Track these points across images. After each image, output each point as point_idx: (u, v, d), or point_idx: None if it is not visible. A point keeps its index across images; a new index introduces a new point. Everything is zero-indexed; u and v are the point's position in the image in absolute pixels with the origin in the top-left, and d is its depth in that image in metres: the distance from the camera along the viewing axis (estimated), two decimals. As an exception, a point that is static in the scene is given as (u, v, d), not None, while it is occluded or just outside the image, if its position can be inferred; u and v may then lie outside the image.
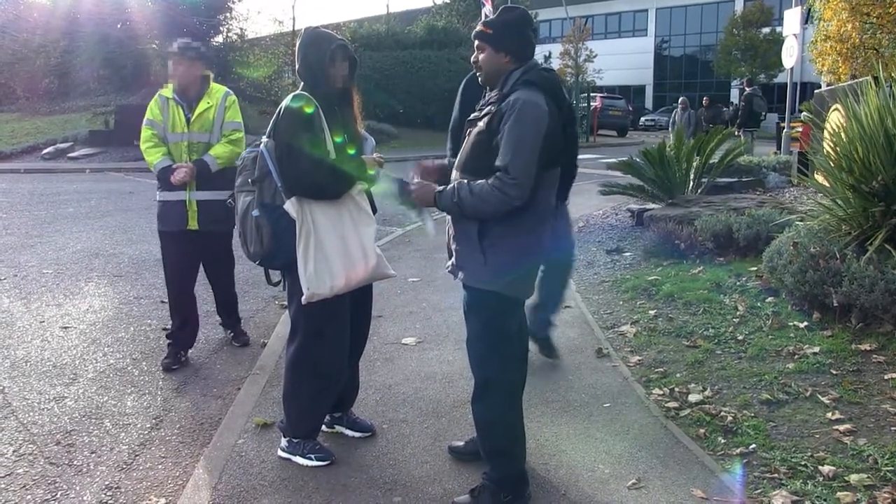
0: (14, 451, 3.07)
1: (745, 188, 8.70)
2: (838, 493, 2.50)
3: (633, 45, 43.58)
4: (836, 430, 2.96)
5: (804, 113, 12.69)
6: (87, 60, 22.66)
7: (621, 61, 40.68)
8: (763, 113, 16.00)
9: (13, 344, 4.43)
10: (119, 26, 21.81)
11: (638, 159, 7.65)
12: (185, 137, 3.92)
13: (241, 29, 24.52)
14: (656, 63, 43.90)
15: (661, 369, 3.76)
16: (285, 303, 3.15)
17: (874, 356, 3.58)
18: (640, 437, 3.04)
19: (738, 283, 4.88)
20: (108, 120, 18.94)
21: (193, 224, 3.93)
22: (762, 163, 10.42)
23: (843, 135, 4.32)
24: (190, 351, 4.21)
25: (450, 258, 2.55)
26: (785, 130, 12.82)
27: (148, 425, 3.36)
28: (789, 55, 12.56)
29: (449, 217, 2.53)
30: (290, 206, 2.68)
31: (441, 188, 2.40)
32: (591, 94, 27.12)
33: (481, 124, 2.38)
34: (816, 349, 3.71)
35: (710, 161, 7.75)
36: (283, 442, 2.93)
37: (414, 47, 24.61)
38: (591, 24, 38.52)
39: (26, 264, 6.52)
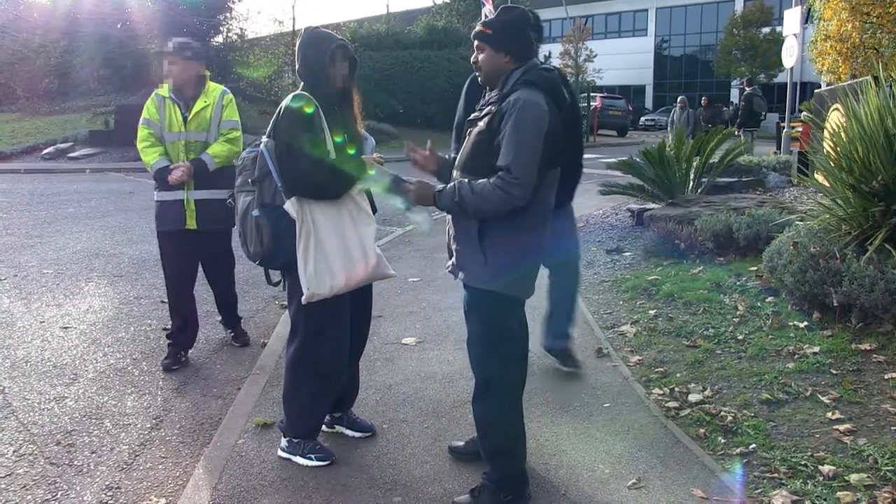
0: (14, 452, 3.07)
1: (745, 188, 8.71)
2: (838, 493, 2.50)
3: (633, 44, 43.58)
4: (837, 429, 2.96)
5: (804, 113, 12.70)
6: (87, 60, 22.68)
7: (621, 61, 40.68)
8: (763, 113, 16.00)
9: (13, 344, 4.43)
10: (119, 26, 21.82)
11: (638, 159, 7.65)
12: (183, 136, 3.90)
13: (241, 29, 24.56)
14: (656, 63, 43.91)
15: (661, 369, 3.76)
16: (285, 303, 3.15)
17: (874, 356, 3.58)
18: (641, 436, 3.04)
19: (738, 283, 4.88)
20: (109, 120, 18.95)
21: (192, 224, 3.93)
22: (762, 162, 10.42)
23: (843, 134, 4.32)
24: (190, 351, 4.21)
25: (450, 258, 2.55)
26: (785, 130, 12.82)
27: (148, 425, 3.36)
28: (789, 55, 12.57)
29: (449, 217, 2.53)
30: (290, 206, 2.69)
31: (441, 187, 2.40)
32: (591, 94, 27.12)
33: (482, 124, 2.38)
34: (816, 349, 3.71)
35: (710, 161, 7.75)
36: (284, 442, 2.93)
37: (414, 47, 24.61)
38: (591, 23, 38.50)
39: (26, 264, 6.52)
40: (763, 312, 4.32)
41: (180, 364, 4.08)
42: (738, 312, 4.38)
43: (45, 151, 17.48)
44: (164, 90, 3.95)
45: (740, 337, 4.04)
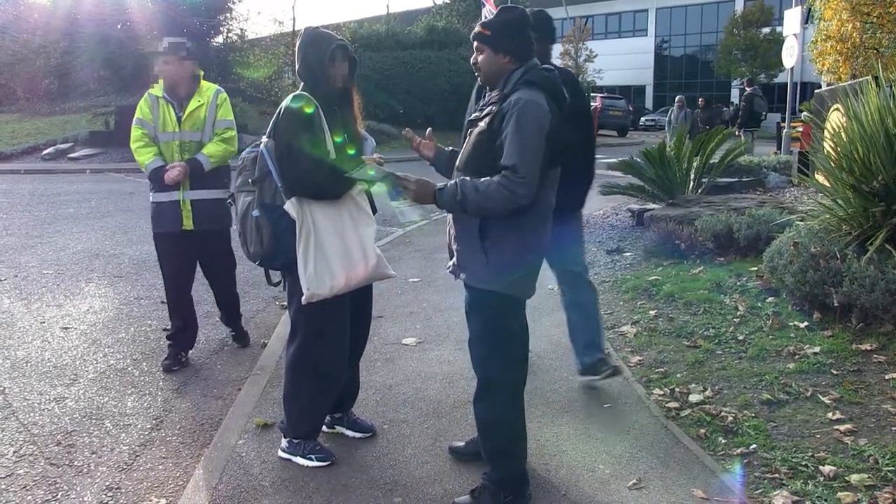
0: (15, 452, 3.07)
1: (745, 188, 8.70)
2: (839, 494, 2.50)
3: (633, 45, 43.57)
4: (837, 430, 2.95)
5: (804, 113, 12.69)
6: (87, 61, 22.68)
7: (621, 61, 40.67)
8: (764, 113, 16.01)
9: (14, 344, 4.43)
10: (119, 27, 21.82)
11: (638, 159, 7.65)
12: (177, 137, 3.89)
13: (242, 29, 24.56)
14: (656, 63, 43.89)
15: (662, 369, 3.76)
16: (285, 303, 3.15)
17: (875, 356, 3.57)
18: (641, 437, 3.04)
19: (738, 283, 4.87)
20: (109, 120, 18.95)
21: (188, 224, 3.91)
22: (762, 163, 10.43)
23: (843, 135, 4.31)
24: (190, 352, 4.20)
25: (451, 258, 2.55)
26: (785, 130, 12.83)
27: (148, 426, 3.36)
28: (789, 55, 12.57)
29: (450, 217, 2.52)
30: (290, 206, 2.68)
31: (441, 185, 2.38)
32: (592, 94, 27.12)
33: (482, 124, 2.38)
34: (817, 349, 3.71)
35: (711, 161, 7.75)
36: (284, 442, 2.92)
37: (414, 48, 24.60)
38: (592, 24, 38.55)
39: (27, 265, 6.52)
40: (763, 313, 4.32)
41: (180, 365, 4.08)
42: (738, 313, 4.38)
43: (45, 152, 17.49)
44: (157, 90, 3.93)
45: (741, 337, 4.03)
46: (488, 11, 11.13)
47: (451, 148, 2.74)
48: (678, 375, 3.66)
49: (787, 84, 13.61)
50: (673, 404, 3.33)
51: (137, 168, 4.04)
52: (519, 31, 2.42)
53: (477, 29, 2.46)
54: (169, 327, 4.17)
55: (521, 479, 2.54)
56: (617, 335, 4.35)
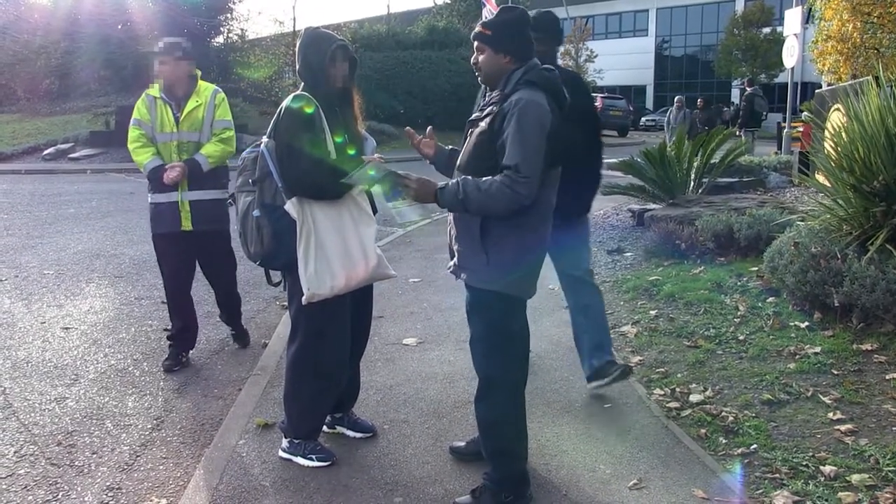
0: (15, 452, 3.08)
1: (745, 188, 8.70)
2: (840, 494, 2.50)
3: (633, 45, 43.56)
4: (838, 430, 2.95)
5: (805, 113, 12.70)
6: (87, 61, 22.72)
7: (622, 61, 40.67)
8: (764, 113, 16.00)
9: (14, 345, 4.43)
10: (120, 27, 21.86)
11: (639, 159, 7.65)
12: (175, 137, 3.88)
13: (242, 30, 24.62)
14: (657, 63, 43.89)
15: (663, 369, 3.76)
16: (286, 303, 3.15)
17: (875, 356, 3.57)
18: (642, 437, 3.04)
19: (739, 284, 4.87)
20: (109, 121, 18.97)
21: (187, 225, 3.91)
22: (763, 163, 10.42)
23: (843, 135, 4.31)
24: (191, 352, 4.20)
25: (451, 259, 2.54)
26: (786, 130, 12.83)
27: (149, 426, 3.36)
28: (790, 55, 12.57)
29: (451, 218, 2.52)
30: (290, 206, 2.69)
31: (443, 184, 2.38)
32: (592, 95, 27.10)
33: (483, 124, 2.38)
34: (817, 349, 3.71)
35: (711, 161, 7.75)
36: (284, 442, 2.92)
37: (414, 48, 24.59)
38: (592, 24, 38.57)
39: (27, 265, 6.52)
40: (764, 313, 4.31)
41: (181, 365, 4.08)
42: (739, 313, 4.37)
43: (45, 152, 17.51)
44: (154, 90, 3.92)
45: (741, 337, 4.03)
46: (489, 11, 11.13)
47: (450, 147, 2.74)
48: (679, 375, 3.66)
49: (787, 84, 13.61)
50: (673, 404, 3.33)
51: (138, 168, 4.04)
52: (519, 31, 2.42)
53: (477, 29, 2.46)
54: (169, 327, 4.16)
55: (521, 479, 2.54)
56: (618, 335, 4.35)
